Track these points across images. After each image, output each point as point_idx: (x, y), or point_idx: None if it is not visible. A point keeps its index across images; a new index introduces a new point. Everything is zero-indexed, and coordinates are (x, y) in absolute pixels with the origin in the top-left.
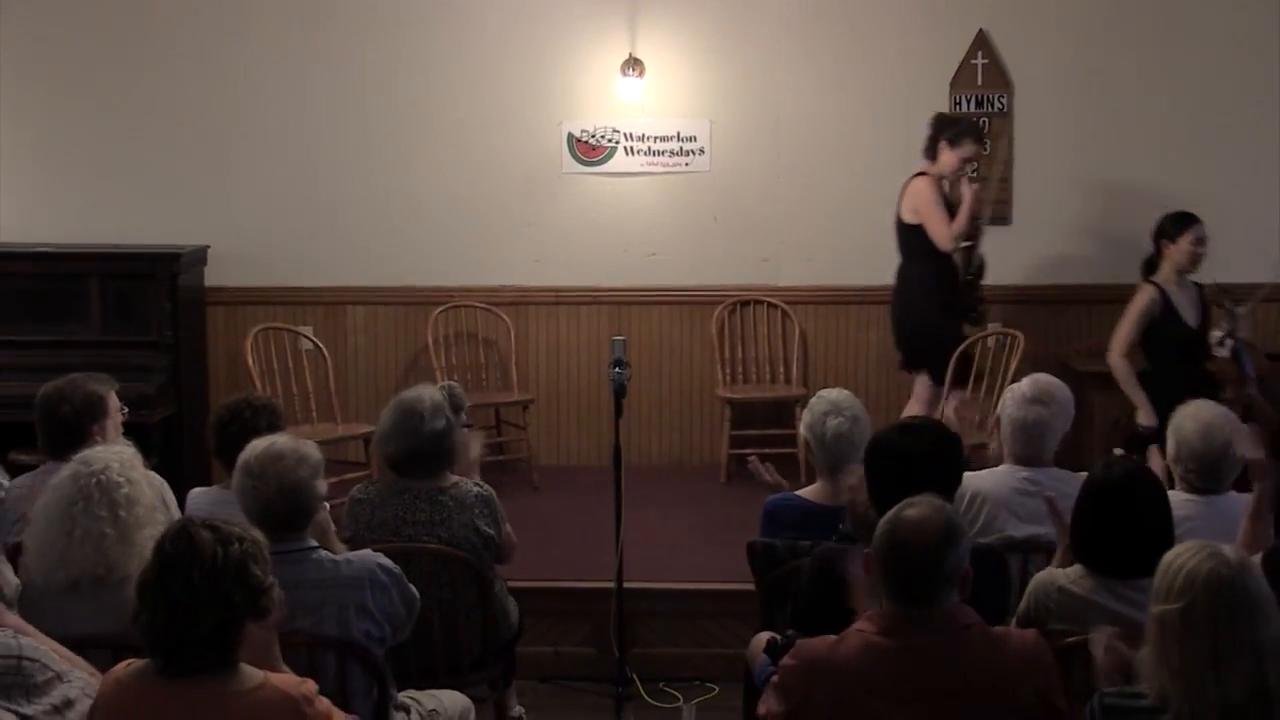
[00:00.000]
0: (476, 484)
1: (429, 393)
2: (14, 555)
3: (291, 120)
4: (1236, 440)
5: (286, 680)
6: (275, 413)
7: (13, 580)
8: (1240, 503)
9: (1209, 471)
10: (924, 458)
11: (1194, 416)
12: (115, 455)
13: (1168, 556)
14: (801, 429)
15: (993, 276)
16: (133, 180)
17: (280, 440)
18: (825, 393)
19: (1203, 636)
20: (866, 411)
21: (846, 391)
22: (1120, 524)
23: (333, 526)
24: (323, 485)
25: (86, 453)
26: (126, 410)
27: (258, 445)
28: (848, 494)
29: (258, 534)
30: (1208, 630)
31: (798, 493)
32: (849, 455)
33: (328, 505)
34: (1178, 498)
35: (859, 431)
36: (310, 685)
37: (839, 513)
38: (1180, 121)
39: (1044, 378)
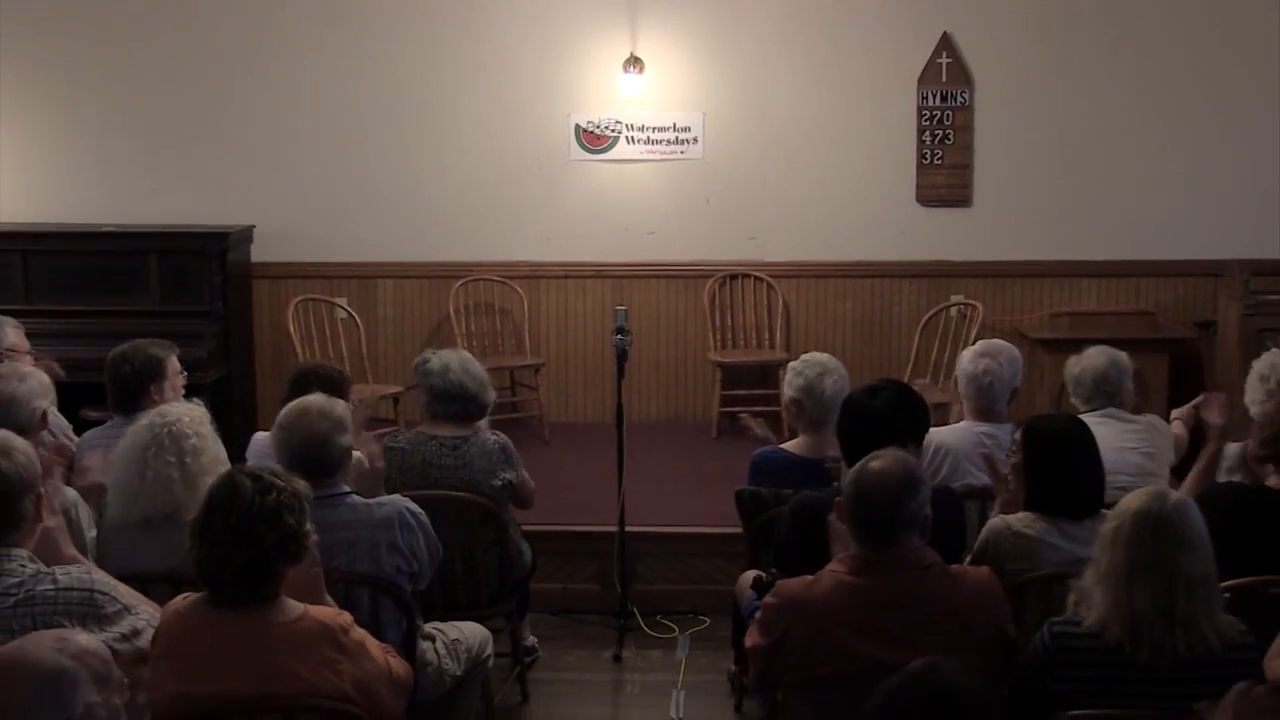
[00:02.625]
0: (494, 433)
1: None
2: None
3: (329, 113)
4: (1115, 372)
5: (325, 612)
6: (343, 379)
7: (90, 535)
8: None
9: (1088, 396)
10: (886, 416)
11: (1077, 357)
12: (187, 411)
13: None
14: (789, 390)
15: (953, 254)
16: (187, 167)
17: (311, 398)
18: (815, 356)
19: (1123, 552)
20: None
21: (828, 354)
22: (1062, 470)
23: (380, 477)
24: (346, 438)
25: (163, 408)
26: (186, 374)
27: (290, 405)
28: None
29: (300, 486)
30: (1128, 547)
31: (782, 446)
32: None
33: (383, 463)
34: (1088, 419)
35: (847, 389)
36: (346, 617)
37: (819, 464)
38: (1122, 113)
39: (992, 340)
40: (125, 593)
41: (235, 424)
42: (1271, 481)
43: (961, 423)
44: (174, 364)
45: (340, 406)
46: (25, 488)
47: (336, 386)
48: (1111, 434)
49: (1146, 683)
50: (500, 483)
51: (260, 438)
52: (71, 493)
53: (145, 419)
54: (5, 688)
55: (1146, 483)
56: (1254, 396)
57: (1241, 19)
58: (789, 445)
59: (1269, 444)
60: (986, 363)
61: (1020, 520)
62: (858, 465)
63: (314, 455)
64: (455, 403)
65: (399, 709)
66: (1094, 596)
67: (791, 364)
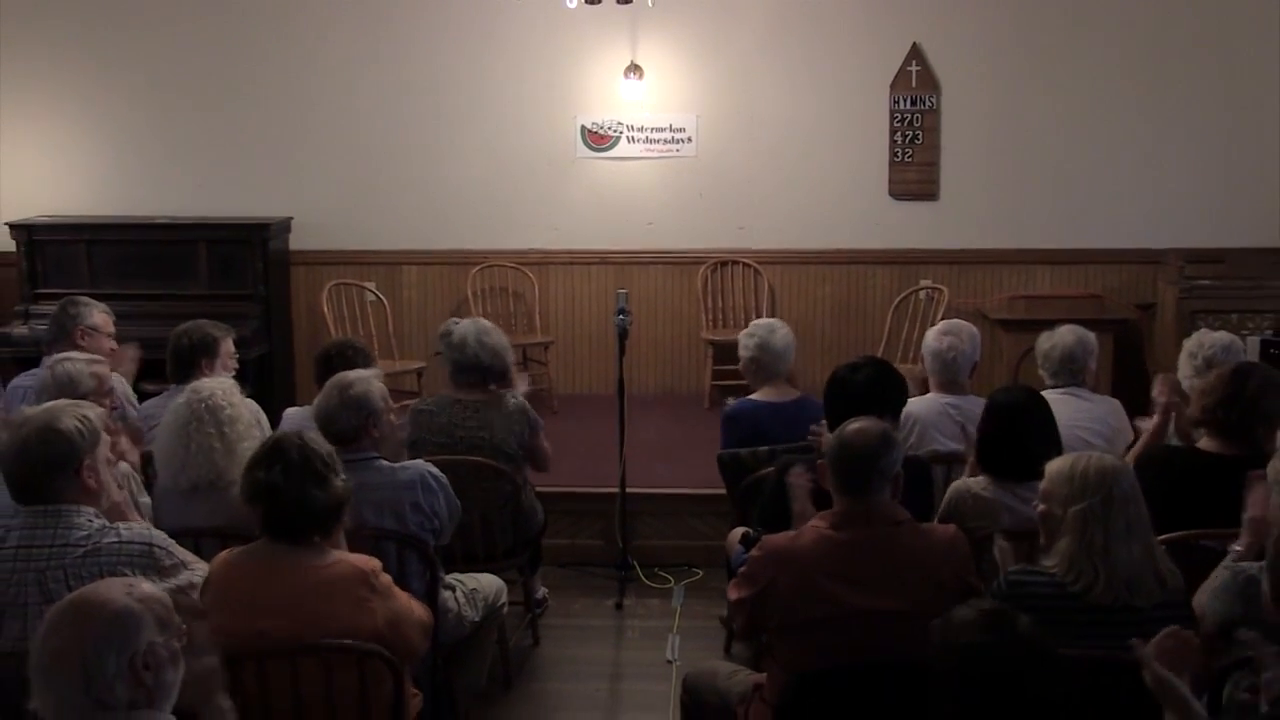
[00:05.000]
0: (514, 397)
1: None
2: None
3: (359, 114)
4: (1082, 350)
5: (358, 558)
6: (367, 355)
7: (144, 500)
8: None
9: (1055, 372)
10: (866, 390)
11: (1049, 333)
12: (219, 385)
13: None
14: (745, 351)
15: (922, 242)
16: (232, 165)
17: (343, 375)
18: (762, 320)
19: (1084, 504)
20: (798, 342)
21: (773, 319)
22: (1011, 436)
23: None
24: (363, 411)
25: (196, 383)
26: (237, 355)
27: (334, 378)
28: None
29: (329, 448)
30: (1086, 500)
31: (749, 397)
32: (789, 358)
33: (404, 434)
34: (1051, 395)
35: (794, 343)
36: (376, 563)
37: (782, 406)
38: (1073, 117)
39: (952, 319)
40: (180, 550)
41: (275, 397)
42: (1202, 444)
43: (929, 395)
44: (228, 345)
45: (373, 386)
46: (62, 463)
47: (361, 360)
48: (1069, 411)
49: (1097, 624)
50: (519, 445)
51: (290, 413)
52: (124, 466)
53: (183, 396)
54: (80, 625)
55: None
56: (1185, 372)
57: (1183, 35)
58: (756, 395)
59: (1208, 411)
60: (950, 339)
61: (978, 484)
62: (839, 428)
63: (333, 425)
64: (474, 373)
65: (423, 647)
66: (1058, 544)
67: (743, 332)
